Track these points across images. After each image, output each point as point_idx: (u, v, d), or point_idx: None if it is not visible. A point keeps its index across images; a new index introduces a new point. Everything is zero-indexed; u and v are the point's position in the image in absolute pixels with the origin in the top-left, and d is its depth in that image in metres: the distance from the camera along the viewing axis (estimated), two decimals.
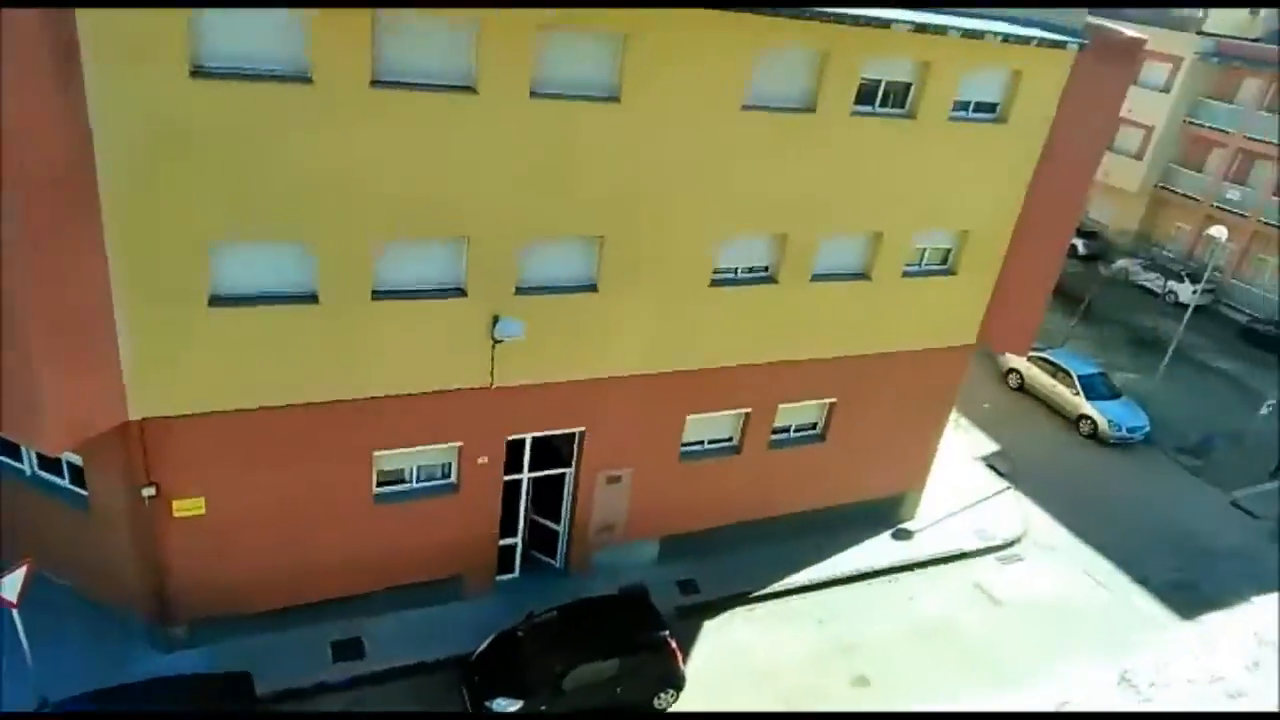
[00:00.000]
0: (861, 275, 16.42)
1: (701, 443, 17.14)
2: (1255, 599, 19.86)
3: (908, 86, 14.74)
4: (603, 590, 15.73)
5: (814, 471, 18.38)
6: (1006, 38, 14.00)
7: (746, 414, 17.02)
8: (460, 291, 13.01)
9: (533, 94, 11.92)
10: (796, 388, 17.07)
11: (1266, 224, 35.78)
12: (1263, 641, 18.45)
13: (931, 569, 19.19)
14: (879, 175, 15.22)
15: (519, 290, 13.36)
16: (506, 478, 15.20)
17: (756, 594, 17.46)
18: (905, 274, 16.81)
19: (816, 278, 15.92)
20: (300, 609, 14.51)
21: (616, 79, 12.42)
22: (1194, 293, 31.25)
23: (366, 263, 12.11)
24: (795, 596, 17.74)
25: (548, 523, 16.59)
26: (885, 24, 12.87)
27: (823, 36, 13.30)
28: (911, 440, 19.20)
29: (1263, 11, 40.17)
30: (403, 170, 11.67)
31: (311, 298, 12.10)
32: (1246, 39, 38.70)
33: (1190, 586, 19.83)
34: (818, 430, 18.30)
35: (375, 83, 11.04)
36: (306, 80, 10.71)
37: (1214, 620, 18.89)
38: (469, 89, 11.60)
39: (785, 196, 14.65)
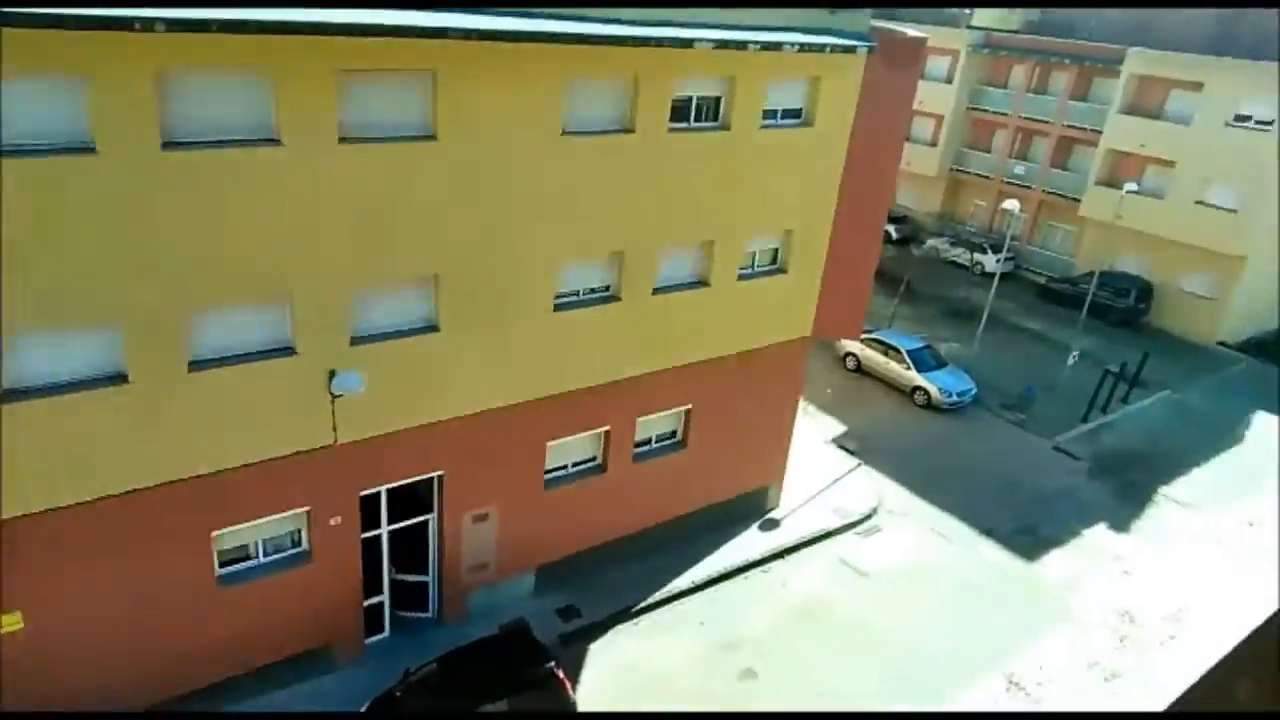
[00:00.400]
0: (700, 283, 16.89)
1: (565, 467, 17.09)
2: (1085, 531, 21.87)
3: (718, 100, 15.31)
4: (482, 632, 15.33)
5: (679, 478, 18.72)
6: (802, 47, 14.81)
7: (606, 432, 17.12)
8: (289, 350, 12.34)
9: (343, 140, 11.52)
10: (652, 400, 17.34)
11: (1050, 193, 39.62)
12: (1096, 554, 20.39)
13: (800, 552, 19.96)
14: (703, 186, 15.72)
15: (355, 340, 12.85)
16: (364, 534, 14.56)
17: (638, 607, 17.56)
18: (741, 277, 17.43)
19: (658, 291, 16.25)
20: (158, 710, 13.32)
21: (431, 117, 12.21)
22: (997, 262, 34.17)
23: (177, 334, 11.27)
24: (676, 602, 17.98)
25: (412, 577, 16.00)
26: (688, 44, 13.31)
27: (630, 60, 13.63)
28: (767, 433, 19.92)
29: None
30: (209, 233, 10.97)
31: (120, 378, 11.15)
32: (1009, 31, 42.85)
33: (1029, 530, 21.60)
34: (678, 438, 18.65)
35: (167, 144, 10.33)
36: (90, 150, 9.87)
37: (1052, 558, 20.66)
38: (272, 141, 11.05)
39: (617, 216, 14.87)
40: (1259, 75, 31.73)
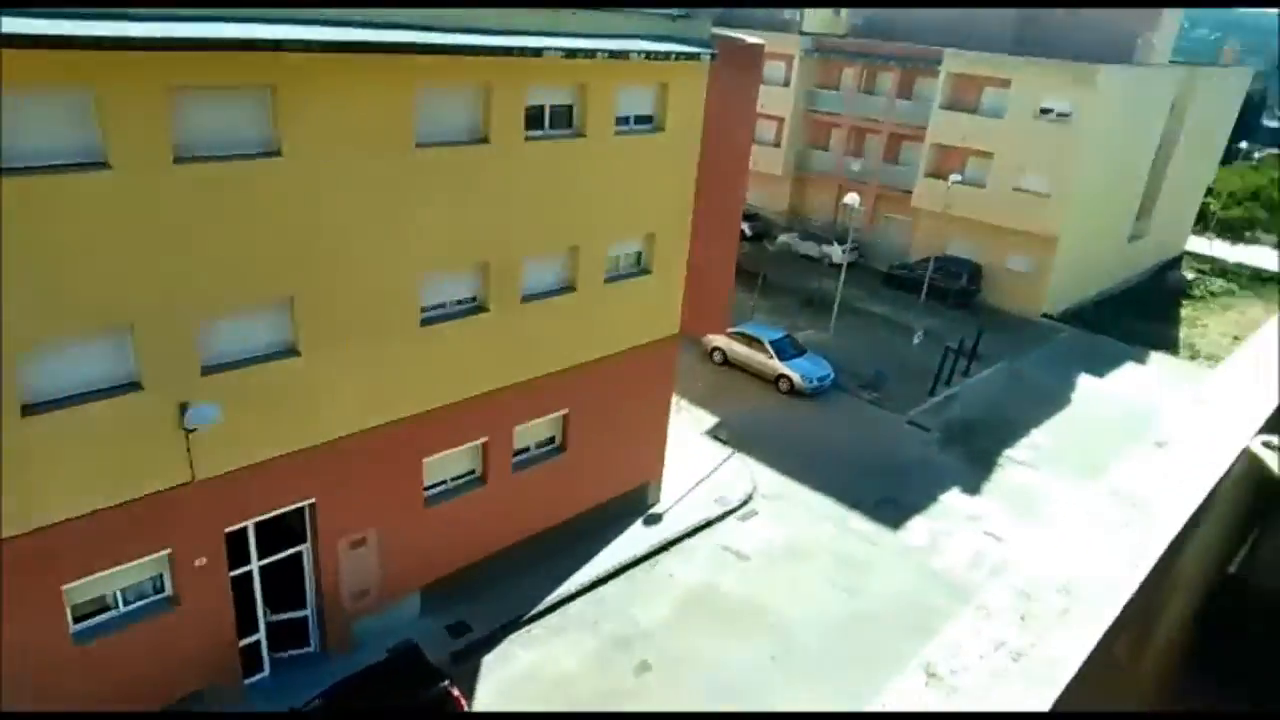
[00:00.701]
0: (568, 289, 17.02)
1: (445, 482, 16.81)
2: (941, 496, 23.45)
3: (571, 108, 15.52)
4: (370, 659, 14.85)
5: (561, 483, 18.77)
6: (649, 55, 15.24)
7: (484, 443, 16.96)
8: (135, 386, 11.58)
9: (178, 159, 10.94)
10: (528, 408, 17.31)
11: (885, 186, 42.24)
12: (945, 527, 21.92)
13: (684, 544, 20.43)
14: (564, 193, 15.88)
15: (207, 370, 12.20)
16: (233, 572, 13.82)
17: (528, 615, 17.48)
18: (607, 281, 17.69)
19: (527, 299, 16.27)
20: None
21: (273, 132, 11.79)
22: (843, 253, 36.11)
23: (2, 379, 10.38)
24: (566, 606, 18.02)
25: (287, 615, 15.30)
26: (537, 52, 13.44)
27: (480, 71, 13.62)
28: (644, 432, 20.28)
29: (844, 12, 47.44)
30: (36, 265, 10.17)
31: None
32: (837, 35, 45.41)
33: (893, 501, 22.97)
34: (557, 444, 18.69)
35: None
36: None
37: (915, 523, 22.05)
38: (100, 165, 10.37)
39: (479, 226, 14.80)
40: (1055, 72, 35.06)
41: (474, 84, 13.95)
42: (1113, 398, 30.54)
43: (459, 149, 14.09)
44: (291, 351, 13.08)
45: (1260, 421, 2.61)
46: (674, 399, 21.64)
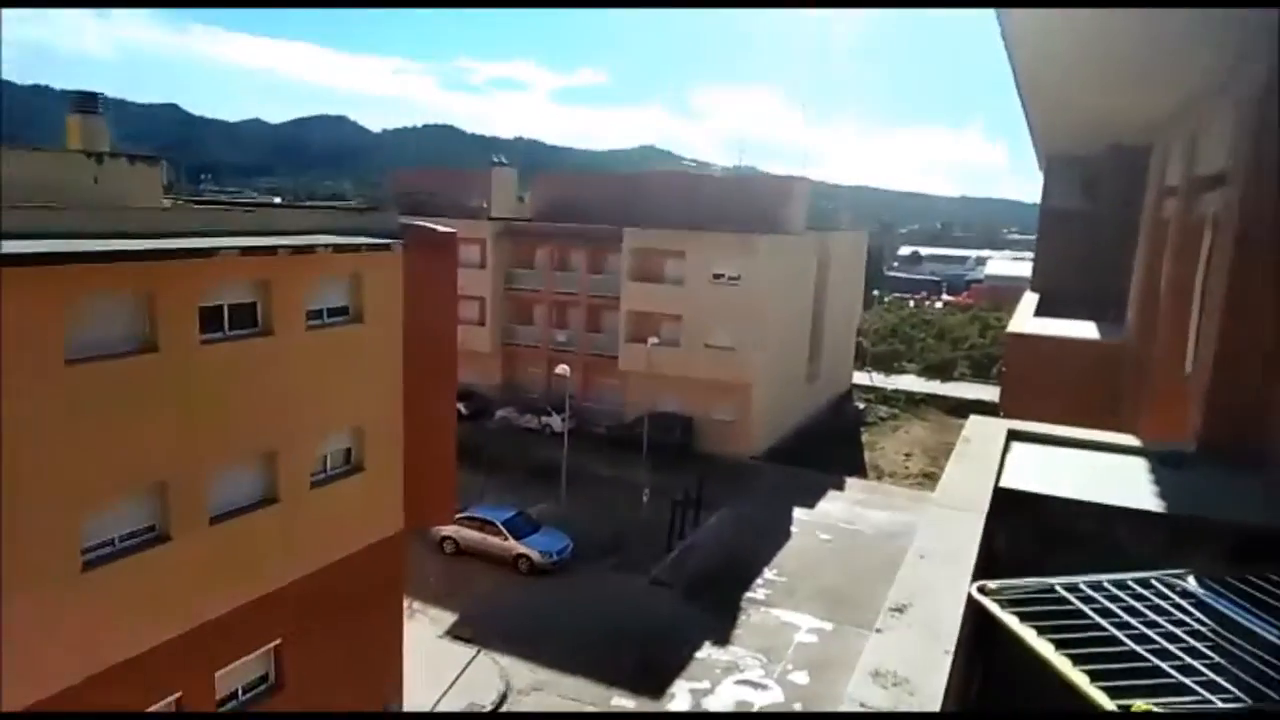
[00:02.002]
0: (269, 500, 15.31)
1: None
2: (696, 653, 23.41)
3: (254, 305, 14.52)
4: None
5: None
6: (336, 247, 14.85)
7: (178, 699, 14.18)
8: None
9: None
10: (229, 648, 14.88)
11: (592, 354, 44.35)
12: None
13: None
14: (254, 396, 14.55)
15: None
16: None
17: None
18: (315, 484, 16.21)
19: (217, 518, 14.33)
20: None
21: None
22: (563, 421, 36.81)
23: None
24: None
25: None
26: (211, 253, 12.53)
27: (143, 276, 12.37)
28: (375, 646, 18.23)
29: (528, 196, 50.99)
30: None
31: None
32: (523, 219, 48.41)
33: (651, 671, 22.46)
34: (271, 681, 16.16)
35: None
36: None
37: (679, 687, 21.69)
38: None
39: (150, 442, 12.97)
40: (723, 243, 39.83)
41: (137, 290, 12.59)
42: (824, 525, 33.20)
43: (122, 362, 12.46)
44: None
45: (971, 568, 2.67)
46: (406, 602, 19.91)
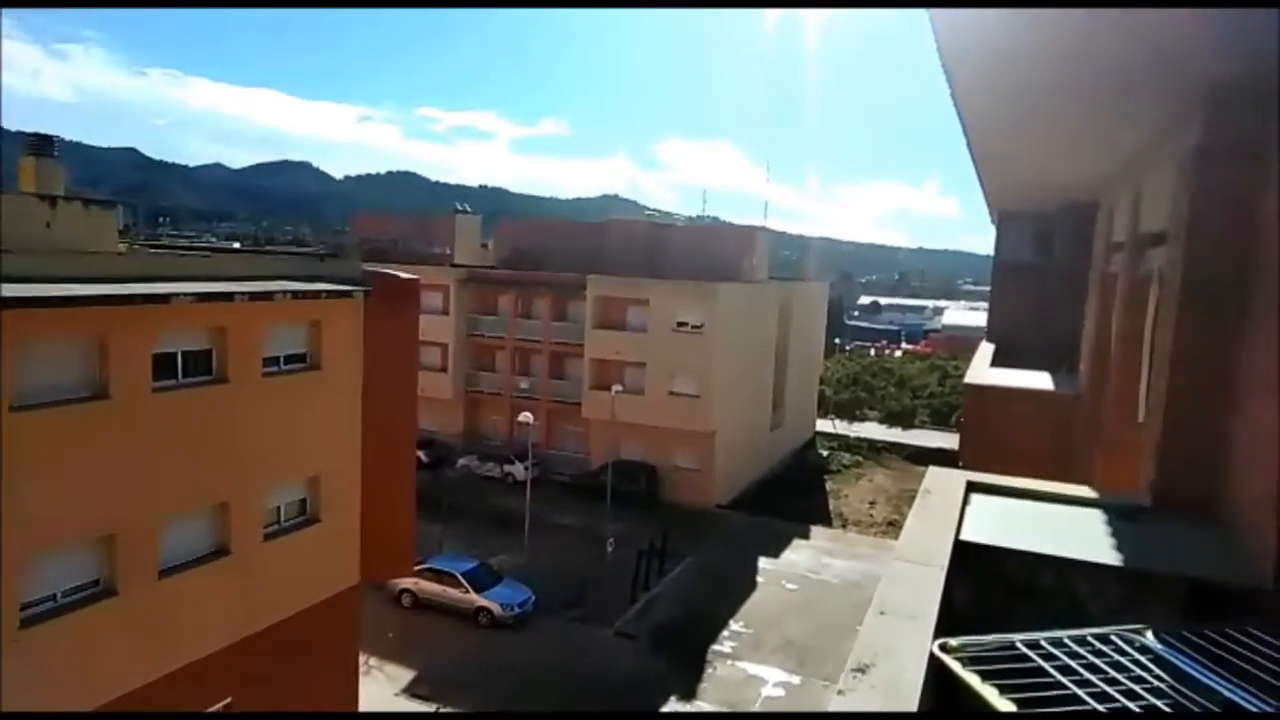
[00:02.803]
0: (220, 552, 14.84)
1: None
2: (662, 707, 22.95)
3: (209, 352, 14.25)
4: None
5: None
6: (295, 294, 14.69)
7: None
8: None
9: None
10: (177, 709, 14.24)
11: (555, 401, 44.12)
12: None
13: None
14: (205, 446, 14.19)
15: None
16: None
17: None
18: (268, 536, 15.78)
19: (166, 571, 13.86)
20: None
21: None
22: (525, 470, 36.41)
23: None
24: None
25: None
26: (164, 299, 12.32)
27: (93, 321, 12.10)
28: (328, 705, 17.60)
29: (491, 243, 51.27)
30: None
31: None
32: (486, 266, 48.45)
33: None
34: None
35: None
36: None
37: None
38: None
39: (98, 493, 12.55)
40: (684, 291, 40.16)
41: (89, 336, 12.31)
42: (790, 574, 33.03)
43: (70, 408, 12.11)
44: None
45: (933, 624, 2.66)
46: (362, 658, 19.33)
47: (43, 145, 18.33)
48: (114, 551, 13.03)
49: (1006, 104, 6.92)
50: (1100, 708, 2.30)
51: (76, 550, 12.71)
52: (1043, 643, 2.60)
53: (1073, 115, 7.01)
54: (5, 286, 11.18)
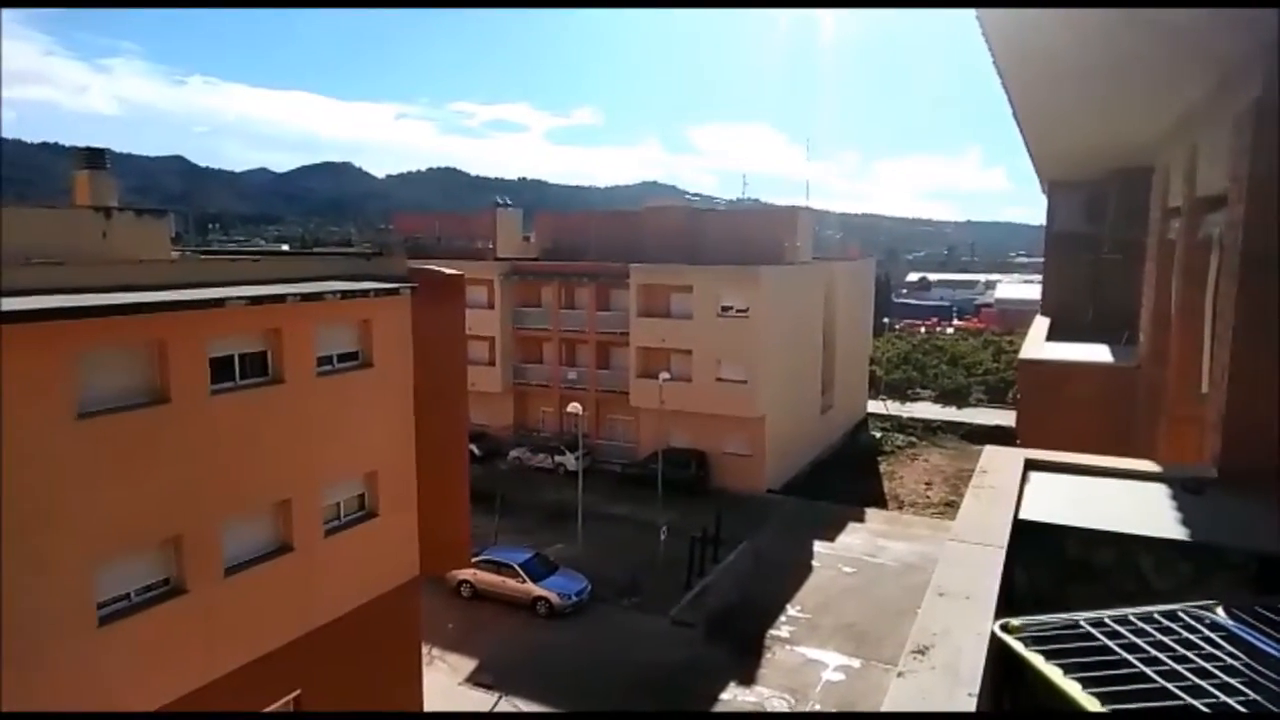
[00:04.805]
0: (283, 549, 15.25)
1: None
2: (721, 694, 22.97)
3: (264, 354, 14.61)
4: None
5: None
6: (344, 294, 14.96)
7: None
8: None
9: None
10: (247, 703, 14.70)
11: (603, 391, 44.33)
12: None
13: None
14: (266, 444, 14.57)
15: None
16: None
17: None
18: (329, 531, 16.16)
19: (233, 569, 14.28)
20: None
21: None
22: (576, 460, 36.67)
23: None
24: None
25: None
26: (219, 303, 12.64)
27: (151, 328, 12.48)
28: (393, 695, 18.00)
29: (534, 236, 51.53)
30: None
31: None
32: (529, 259, 48.74)
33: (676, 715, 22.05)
34: None
35: None
36: None
37: None
38: None
39: (164, 495, 12.98)
40: (727, 276, 39.92)
41: (148, 342, 12.71)
42: (846, 558, 32.75)
43: (134, 414, 12.53)
44: None
45: (993, 605, 2.61)
46: (424, 649, 19.71)
47: (95, 159, 18.89)
48: (181, 551, 13.46)
49: (1051, 57, 6.70)
50: (1170, 686, 2.24)
51: (145, 551, 13.14)
52: (1108, 621, 2.53)
53: (1125, 73, 6.78)
54: (65, 298, 11.57)
